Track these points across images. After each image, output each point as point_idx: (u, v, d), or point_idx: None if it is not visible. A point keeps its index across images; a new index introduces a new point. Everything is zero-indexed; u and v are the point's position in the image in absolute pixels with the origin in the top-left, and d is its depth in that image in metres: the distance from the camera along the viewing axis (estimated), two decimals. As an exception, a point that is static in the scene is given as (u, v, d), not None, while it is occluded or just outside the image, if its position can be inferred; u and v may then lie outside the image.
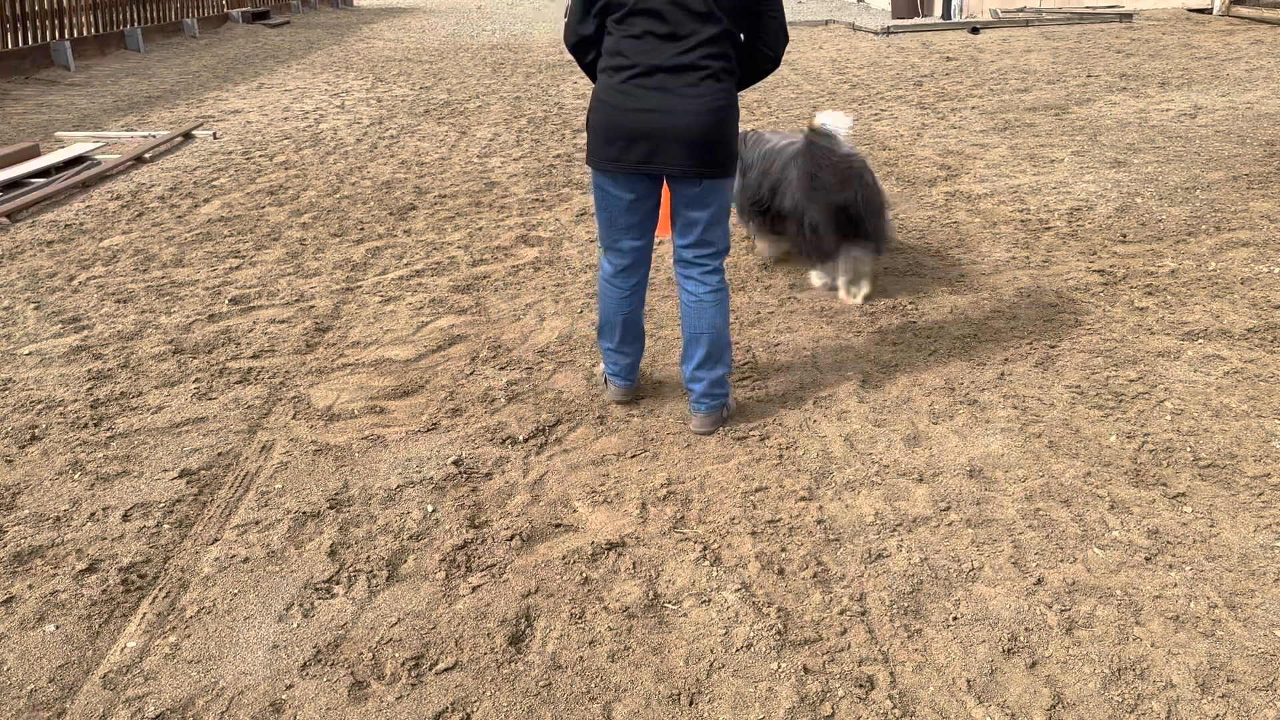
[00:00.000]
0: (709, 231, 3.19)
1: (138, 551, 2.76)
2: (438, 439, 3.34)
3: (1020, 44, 13.47)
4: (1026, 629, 2.39)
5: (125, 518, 2.92)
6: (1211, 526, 2.76)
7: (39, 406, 3.64)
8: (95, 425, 3.49)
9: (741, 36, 3.07)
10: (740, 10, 2.98)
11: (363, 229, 5.78)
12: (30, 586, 2.62)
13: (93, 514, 2.95)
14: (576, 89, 10.84)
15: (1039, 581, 2.55)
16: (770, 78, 11.14)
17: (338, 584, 2.61)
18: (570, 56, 3.14)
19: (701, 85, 2.97)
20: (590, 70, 3.20)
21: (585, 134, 3.15)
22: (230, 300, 4.66)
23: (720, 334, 3.25)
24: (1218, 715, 2.12)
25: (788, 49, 13.78)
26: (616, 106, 3.01)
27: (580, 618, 2.47)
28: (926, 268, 4.86)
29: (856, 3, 21.59)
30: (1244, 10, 15.23)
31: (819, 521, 2.83)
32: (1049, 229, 5.38)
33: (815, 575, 2.60)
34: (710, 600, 2.52)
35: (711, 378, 3.29)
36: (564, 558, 2.70)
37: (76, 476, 3.16)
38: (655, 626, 2.43)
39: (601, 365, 3.64)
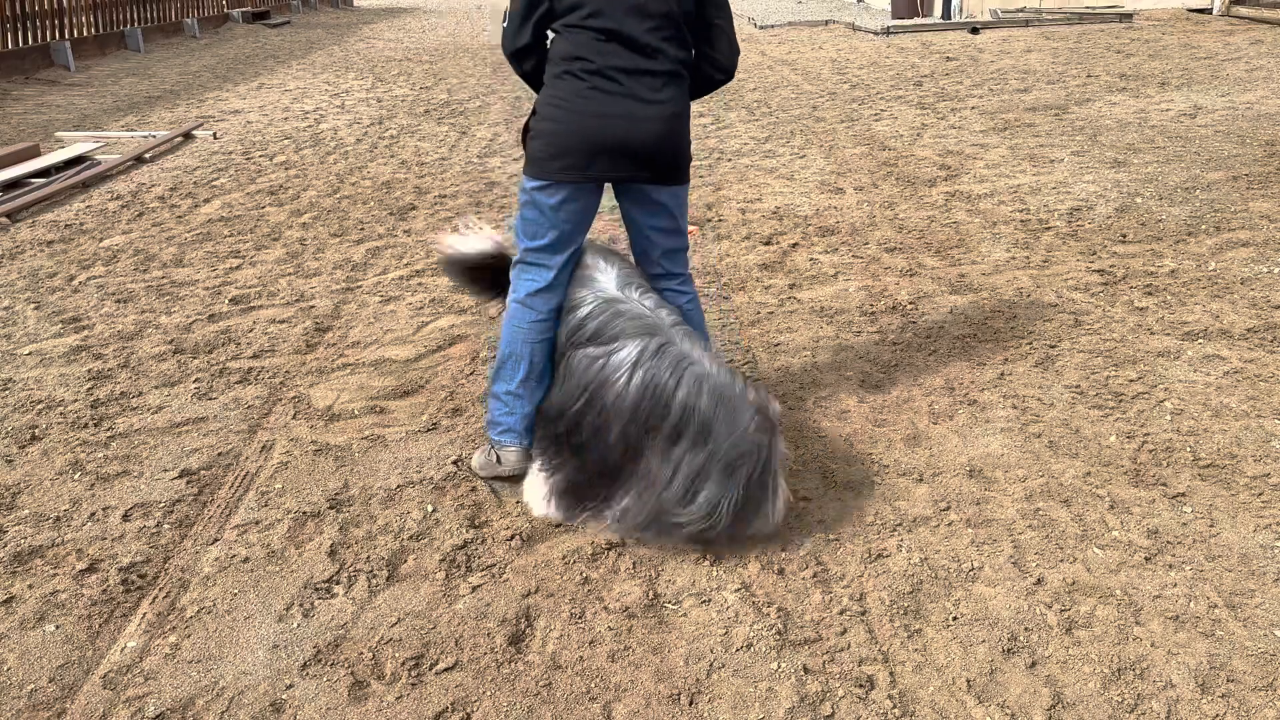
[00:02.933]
0: (676, 240, 3.09)
1: (138, 551, 2.76)
2: (438, 439, 3.34)
3: (1020, 44, 13.47)
4: (1026, 629, 2.39)
5: (125, 518, 2.92)
6: (1211, 526, 2.76)
7: (39, 406, 3.64)
8: (95, 425, 3.49)
9: (692, 52, 2.98)
10: (692, 20, 2.91)
11: (363, 229, 5.78)
12: (30, 586, 2.62)
13: (93, 514, 2.95)
14: (576, 89, 10.83)
15: (1039, 581, 2.55)
16: (770, 77, 11.15)
17: (338, 584, 2.61)
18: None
19: (663, 91, 2.88)
20: (530, 78, 3.02)
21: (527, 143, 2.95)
22: (230, 300, 4.66)
23: (705, 336, 3.15)
24: (1218, 715, 2.12)
25: (789, 49, 13.79)
26: (575, 111, 2.85)
27: (580, 618, 2.47)
28: (926, 268, 4.86)
29: (856, 3, 21.59)
30: (1244, 10, 15.23)
31: (819, 521, 2.83)
32: (1049, 229, 5.38)
33: (815, 575, 2.60)
34: (710, 600, 2.52)
35: None
36: (564, 558, 2.70)
37: (76, 476, 3.16)
38: (655, 626, 2.43)
39: (480, 451, 3.10)
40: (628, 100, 2.84)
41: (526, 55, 2.97)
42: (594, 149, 2.85)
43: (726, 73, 3.05)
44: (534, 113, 2.95)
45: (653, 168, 2.91)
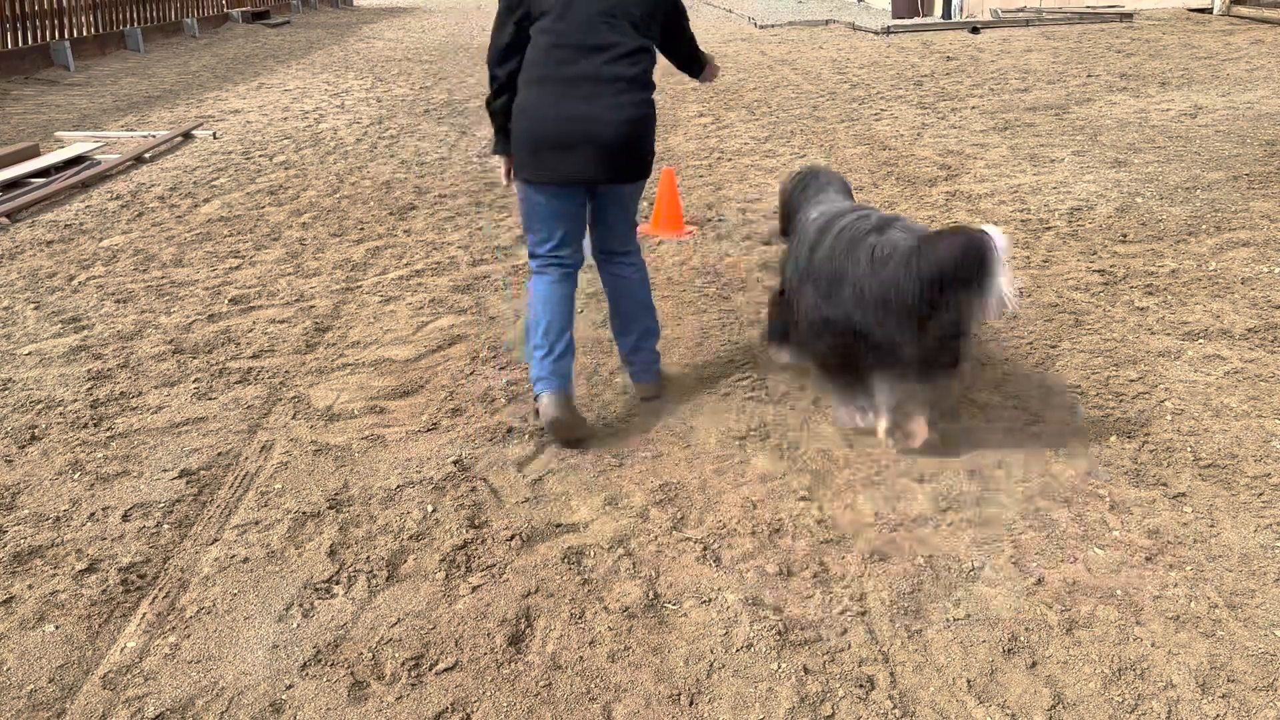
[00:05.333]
0: (630, 226, 3.38)
1: (138, 551, 2.76)
2: (438, 439, 3.34)
3: (1020, 44, 13.47)
4: (1026, 629, 2.39)
5: (125, 518, 2.92)
6: (1211, 526, 2.76)
7: (39, 406, 3.64)
8: (95, 425, 3.49)
9: (656, 50, 3.19)
10: (653, 21, 3.12)
11: (363, 229, 5.78)
12: (30, 586, 2.62)
13: (93, 514, 2.95)
14: (576, 89, 10.82)
15: (1039, 581, 2.55)
16: (770, 77, 11.15)
17: (338, 584, 2.61)
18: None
19: (624, 95, 3.04)
20: (509, 84, 3.13)
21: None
22: (230, 300, 4.66)
23: (651, 305, 3.46)
24: (1218, 715, 2.12)
25: (789, 49, 13.80)
26: (542, 116, 3.04)
27: (580, 618, 2.47)
28: (926, 268, 4.85)
29: (856, 3, 21.59)
30: (1244, 10, 15.23)
31: (819, 521, 2.83)
32: (1049, 229, 5.38)
33: (815, 575, 2.60)
34: (710, 600, 2.52)
35: (652, 346, 3.50)
36: (564, 558, 2.70)
37: (76, 476, 3.16)
38: (655, 626, 2.43)
39: (532, 394, 3.37)
40: (592, 104, 3.01)
41: (509, 56, 3.10)
42: (561, 150, 3.04)
43: (694, 65, 3.44)
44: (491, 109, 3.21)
45: (617, 168, 3.11)
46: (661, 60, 3.32)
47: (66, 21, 13.23)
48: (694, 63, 3.46)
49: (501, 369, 3.86)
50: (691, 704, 2.19)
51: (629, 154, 3.11)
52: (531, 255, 3.32)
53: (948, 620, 2.42)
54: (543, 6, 3.02)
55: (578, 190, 3.18)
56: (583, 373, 3.79)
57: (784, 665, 2.29)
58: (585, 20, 3.00)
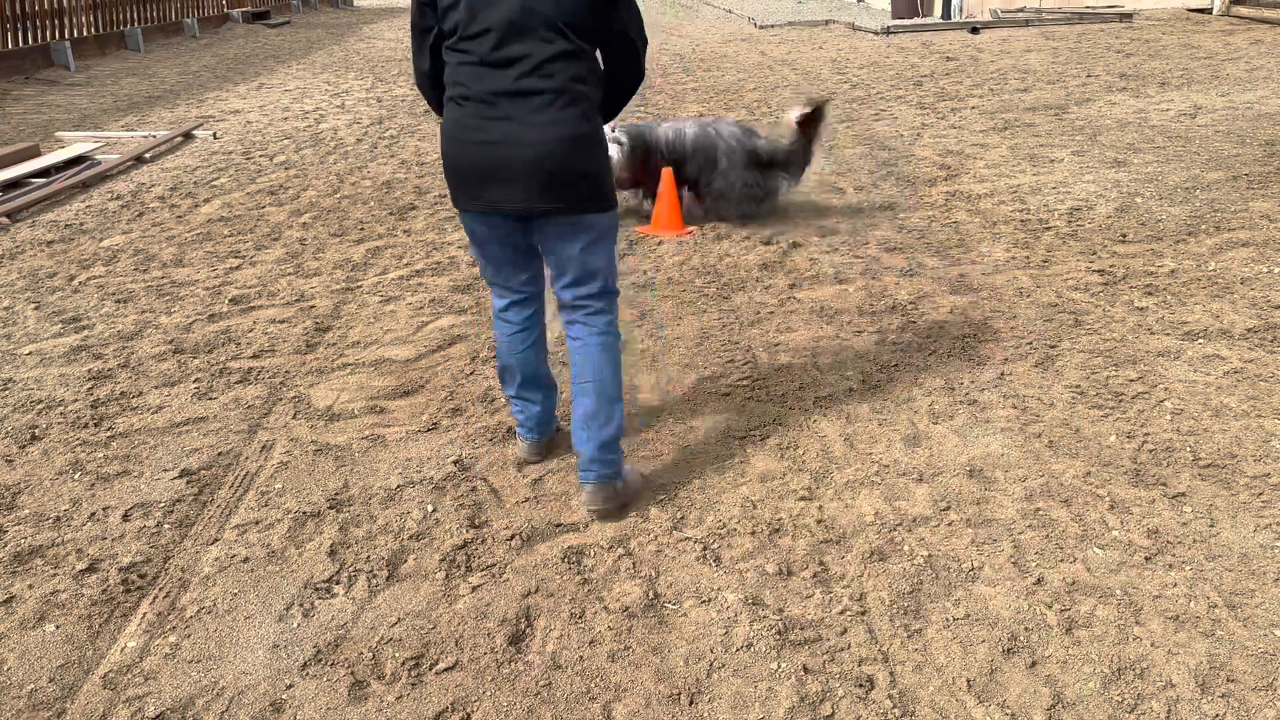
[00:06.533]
0: (584, 270, 2.78)
1: (138, 551, 2.76)
2: (438, 439, 3.34)
3: (1020, 44, 13.47)
4: (1026, 629, 2.39)
5: (125, 518, 2.92)
6: (1211, 526, 2.76)
7: (39, 406, 3.64)
8: (95, 425, 3.49)
9: (598, 56, 2.74)
10: (587, 23, 2.64)
11: (363, 229, 5.78)
12: (30, 586, 2.62)
13: (93, 514, 2.95)
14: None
15: (1039, 581, 2.55)
16: (770, 77, 11.15)
17: (338, 584, 2.61)
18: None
19: (548, 111, 2.61)
20: (439, 110, 2.84)
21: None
22: (230, 300, 4.66)
23: (607, 385, 2.82)
24: (1218, 715, 2.12)
25: (789, 49, 13.79)
26: (460, 140, 2.68)
27: (580, 618, 2.47)
28: (926, 268, 4.86)
29: (856, 3, 21.59)
30: (1244, 10, 15.24)
31: (819, 521, 2.83)
32: (1049, 229, 5.38)
33: (815, 575, 2.60)
34: (710, 600, 2.52)
35: (600, 439, 2.80)
36: (564, 558, 2.70)
37: (76, 476, 3.16)
38: (655, 626, 2.43)
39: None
40: (510, 124, 2.61)
41: (436, 81, 2.80)
42: (483, 177, 2.67)
43: (628, 79, 2.83)
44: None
45: (544, 197, 2.65)
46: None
47: (67, 21, 13.24)
48: (624, 75, 2.82)
49: (501, 369, 3.86)
50: (691, 704, 2.19)
51: (557, 180, 2.63)
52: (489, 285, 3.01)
53: (947, 620, 2.42)
54: (449, 23, 2.65)
55: (505, 222, 2.78)
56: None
57: (784, 665, 2.29)
58: (497, 30, 2.59)
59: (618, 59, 2.78)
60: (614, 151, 5.07)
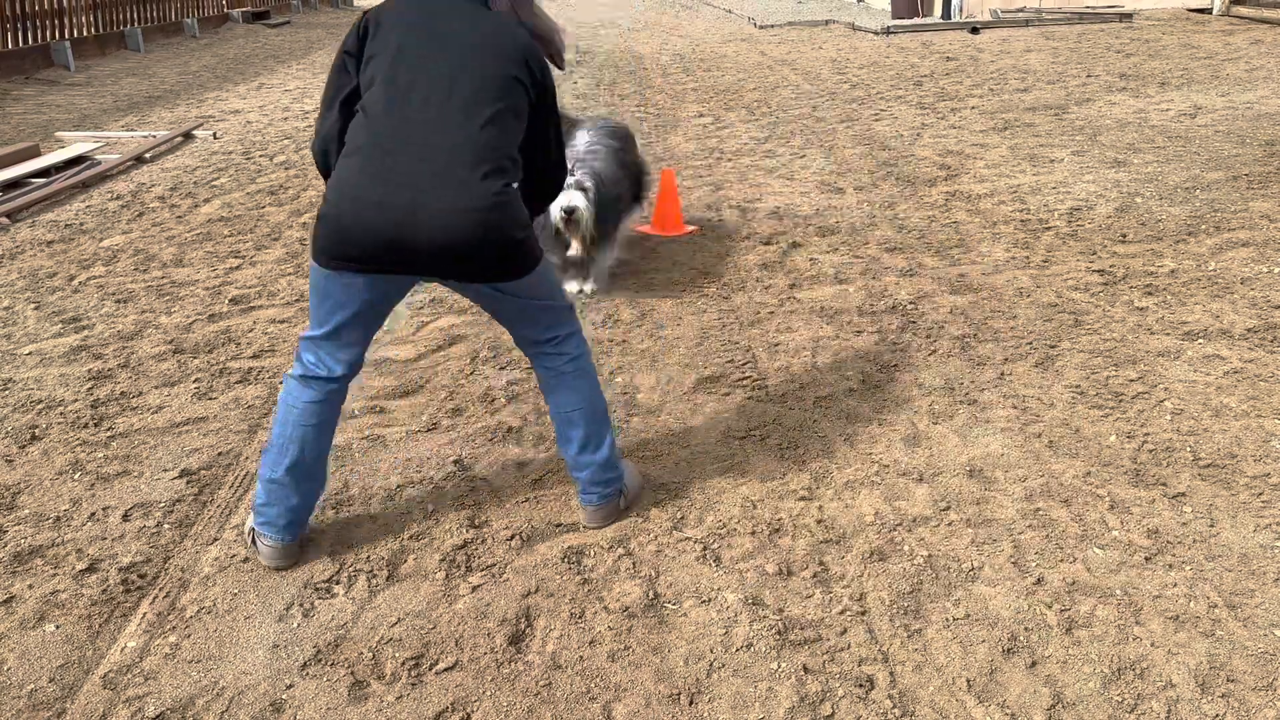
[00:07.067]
0: (534, 317, 2.63)
1: (138, 551, 2.76)
2: (438, 439, 3.34)
3: (1020, 44, 13.47)
4: (1026, 629, 2.39)
5: (125, 518, 2.92)
6: (1211, 526, 2.77)
7: (39, 406, 3.64)
8: (95, 425, 3.49)
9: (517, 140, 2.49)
10: (510, 99, 2.44)
11: (363, 229, 5.78)
12: (30, 586, 2.62)
13: (93, 514, 2.95)
14: (575, 89, 10.83)
15: (1039, 581, 2.55)
16: (770, 77, 11.14)
17: (338, 584, 2.61)
18: None
19: (465, 179, 2.36)
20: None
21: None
22: (230, 300, 4.66)
23: (594, 406, 2.72)
24: (1218, 715, 2.13)
25: (789, 49, 13.79)
26: (352, 198, 2.35)
27: (580, 618, 2.47)
28: (926, 268, 4.86)
29: (856, 3, 21.59)
30: (1244, 10, 15.24)
31: (819, 521, 2.83)
32: (1049, 229, 5.38)
33: (815, 575, 2.60)
34: (710, 600, 2.52)
35: (597, 461, 2.74)
36: (564, 557, 2.70)
37: (76, 476, 3.16)
38: (655, 626, 2.43)
39: (249, 519, 2.71)
40: (410, 190, 2.34)
41: (332, 145, 2.52)
42: (374, 240, 2.36)
43: (550, 171, 2.67)
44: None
45: (460, 268, 2.42)
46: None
47: (67, 21, 13.23)
48: (545, 188, 2.68)
49: (501, 369, 3.86)
50: (691, 703, 2.19)
51: (473, 253, 2.38)
52: (304, 338, 2.59)
53: (947, 620, 2.42)
54: (366, 79, 2.44)
55: (392, 280, 2.48)
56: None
57: (784, 665, 2.29)
58: (416, 91, 2.39)
59: (539, 185, 2.67)
60: (580, 201, 4.29)
